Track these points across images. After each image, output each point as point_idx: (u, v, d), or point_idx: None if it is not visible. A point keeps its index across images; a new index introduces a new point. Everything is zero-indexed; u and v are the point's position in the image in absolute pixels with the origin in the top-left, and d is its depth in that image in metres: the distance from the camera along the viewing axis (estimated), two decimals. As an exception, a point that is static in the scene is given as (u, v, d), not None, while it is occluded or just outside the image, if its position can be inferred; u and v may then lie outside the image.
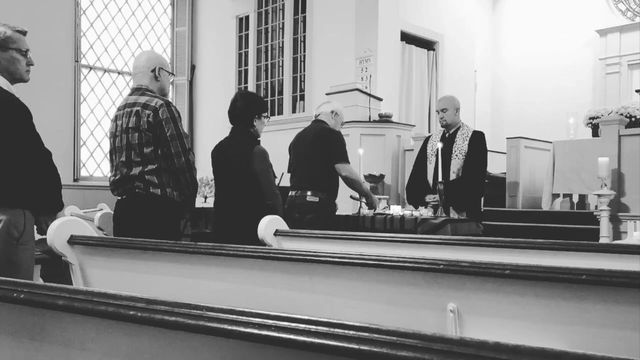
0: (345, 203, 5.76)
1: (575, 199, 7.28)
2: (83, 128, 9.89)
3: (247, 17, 10.56)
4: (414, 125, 8.80)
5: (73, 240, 2.40)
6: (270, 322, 0.98)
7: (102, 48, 10.24)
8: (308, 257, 2.03)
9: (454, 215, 4.78)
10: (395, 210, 4.83)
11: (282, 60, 10.03)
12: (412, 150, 7.35)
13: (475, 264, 1.71)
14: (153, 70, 3.65)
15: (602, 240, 5.37)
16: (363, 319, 1.01)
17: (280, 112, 9.98)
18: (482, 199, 5.35)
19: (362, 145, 6.91)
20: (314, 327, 0.94)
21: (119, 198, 3.59)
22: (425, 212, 4.69)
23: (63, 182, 3.18)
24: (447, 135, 5.14)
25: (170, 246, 2.30)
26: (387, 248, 2.83)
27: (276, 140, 7.56)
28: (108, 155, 3.77)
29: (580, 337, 1.58)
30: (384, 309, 1.92)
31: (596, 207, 5.96)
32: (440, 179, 4.60)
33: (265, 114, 4.33)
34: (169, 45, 11.24)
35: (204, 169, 7.05)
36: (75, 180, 9.58)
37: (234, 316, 1.02)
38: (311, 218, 4.57)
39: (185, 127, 8.01)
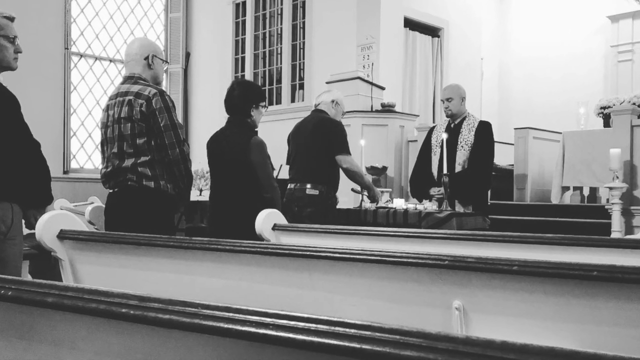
0: (347, 196, 5.76)
1: (586, 192, 7.28)
2: (73, 118, 9.87)
3: (244, 3, 10.53)
4: (418, 115, 8.78)
5: (63, 235, 2.40)
6: (268, 320, 0.98)
7: (93, 35, 10.21)
8: (307, 253, 2.03)
9: (459, 208, 4.78)
10: (399, 203, 4.83)
11: (281, 48, 10.00)
12: (416, 141, 7.33)
13: (482, 259, 1.71)
14: (146, 58, 3.64)
15: (614, 235, 5.37)
16: (365, 317, 1.01)
17: (278, 102, 9.96)
18: (489, 192, 5.35)
19: (364, 136, 6.90)
20: (313, 325, 0.93)
21: (111, 191, 3.59)
22: (429, 206, 4.69)
23: (52, 175, 3.18)
24: (452, 125, 5.14)
25: (164, 241, 2.30)
26: (389, 243, 2.83)
27: (274, 130, 7.56)
28: (99, 147, 3.78)
29: (591, 335, 1.58)
30: (387, 307, 1.92)
31: (607, 200, 5.96)
32: (445, 171, 4.60)
33: (263, 104, 4.32)
34: (162, 32, 11.21)
35: (199, 161, 7.06)
36: (65, 172, 9.58)
37: (231, 314, 1.02)
38: (311, 212, 4.57)
39: (179, 117, 8.01)
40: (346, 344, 0.89)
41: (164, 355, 1.15)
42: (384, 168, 7.19)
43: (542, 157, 7.69)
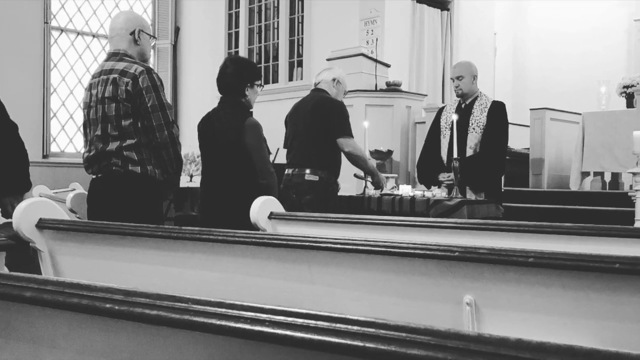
0: (349, 182, 5.76)
1: (607, 178, 7.28)
2: (53, 98, 9.85)
3: (237, -27, 10.50)
4: (426, 95, 8.77)
5: (42, 224, 2.39)
6: (264, 316, 0.97)
7: (75, 8, 10.16)
8: (306, 243, 2.03)
9: (470, 196, 4.78)
10: (405, 190, 4.83)
11: (278, 22, 9.96)
12: (424, 122, 7.32)
13: (495, 250, 1.71)
14: (132, 33, 3.63)
15: (638, 224, 5.37)
16: (368, 313, 1.01)
17: (275, 80, 9.95)
18: (503, 178, 5.34)
19: (368, 117, 6.89)
20: (313, 322, 0.93)
21: (94, 177, 3.59)
22: (438, 193, 4.69)
23: (31, 159, 3.18)
24: (463, 106, 5.13)
25: (152, 231, 2.30)
26: (395, 233, 2.83)
27: (271, 111, 7.54)
28: (81, 129, 3.76)
29: (613, 333, 1.58)
30: (392, 302, 1.92)
31: (631, 186, 5.95)
32: (455, 155, 4.59)
33: (259, 82, 4.31)
34: (150, 5, 11.16)
35: (190, 144, 7.06)
36: (44, 156, 9.58)
37: (224, 310, 1.01)
38: (310, 199, 4.57)
39: (168, 96, 8.00)
40: (348, 342, 0.88)
41: (152, 354, 1.15)
42: (389, 152, 7.19)
43: (560, 140, 7.69)
